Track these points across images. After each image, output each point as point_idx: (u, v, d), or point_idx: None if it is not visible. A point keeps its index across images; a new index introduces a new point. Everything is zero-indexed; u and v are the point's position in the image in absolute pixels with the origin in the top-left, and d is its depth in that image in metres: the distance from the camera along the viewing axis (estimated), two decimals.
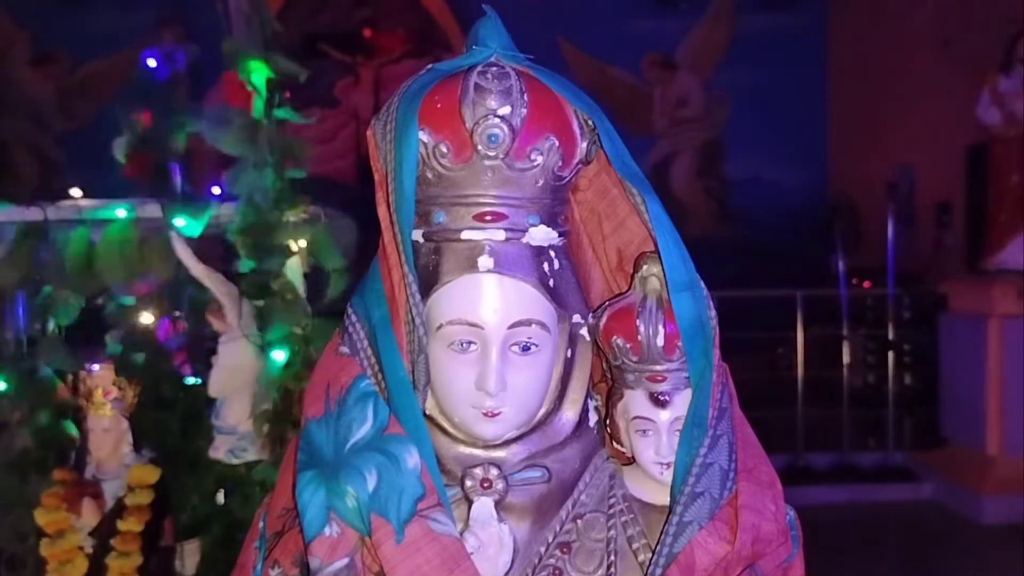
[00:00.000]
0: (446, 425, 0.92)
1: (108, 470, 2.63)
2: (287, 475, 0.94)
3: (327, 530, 0.85)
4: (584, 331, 0.96)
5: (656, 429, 0.94)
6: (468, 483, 0.90)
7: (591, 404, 0.98)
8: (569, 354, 0.94)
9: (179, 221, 2.28)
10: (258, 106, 2.20)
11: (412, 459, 0.85)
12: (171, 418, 3.02)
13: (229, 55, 2.21)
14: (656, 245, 0.91)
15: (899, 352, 6.64)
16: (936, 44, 7.62)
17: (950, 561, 4.89)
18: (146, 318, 2.64)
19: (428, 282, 0.88)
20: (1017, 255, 5.65)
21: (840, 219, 7.70)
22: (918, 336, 6.75)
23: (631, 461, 0.99)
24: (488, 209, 0.88)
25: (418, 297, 0.87)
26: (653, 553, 0.89)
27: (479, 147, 0.86)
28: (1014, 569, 4.75)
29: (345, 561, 0.85)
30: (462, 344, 0.87)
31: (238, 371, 2.30)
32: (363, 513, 0.84)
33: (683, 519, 0.88)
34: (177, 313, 2.70)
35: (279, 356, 2.24)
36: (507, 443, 0.91)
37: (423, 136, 0.86)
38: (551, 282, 0.90)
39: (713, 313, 0.92)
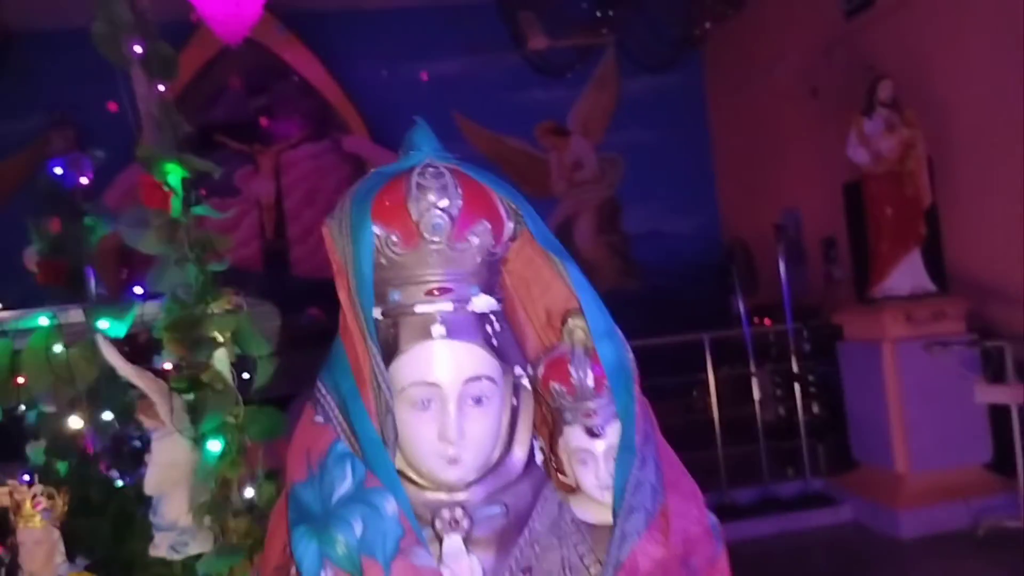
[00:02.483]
0: (414, 476, 1.05)
1: None
2: (275, 538, 1.04)
3: (323, 574, 0.96)
4: (525, 381, 1.11)
5: (594, 458, 1.11)
6: (438, 524, 1.03)
7: (536, 445, 1.13)
8: (514, 402, 1.09)
9: (103, 323, 2.31)
10: (176, 205, 2.27)
11: (391, 506, 0.98)
12: (102, 524, 2.98)
13: (144, 159, 2.28)
14: (579, 302, 1.08)
15: (804, 383, 6.93)
16: (806, 94, 8.16)
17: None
18: (71, 425, 2.63)
19: (389, 352, 1.02)
20: (901, 281, 6.00)
21: (735, 263, 8.07)
22: (820, 367, 7.07)
23: (575, 490, 1.15)
24: (436, 285, 1.03)
25: (382, 365, 1.00)
26: (603, 564, 1.03)
27: (425, 235, 1.01)
28: None
29: None
30: (423, 402, 1.01)
31: (174, 466, 2.32)
32: (353, 557, 0.96)
33: (624, 531, 1.03)
34: (104, 416, 2.69)
35: (214, 446, 2.28)
36: (468, 486, 1.05)
37: (376, 230, 1.01)
38: (494, 341, 1.05)
39: (631, 355, 1.09)
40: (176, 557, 2.35)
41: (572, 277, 1.08)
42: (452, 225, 1.01)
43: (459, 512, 1.04)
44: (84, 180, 3.09)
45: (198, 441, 2.28)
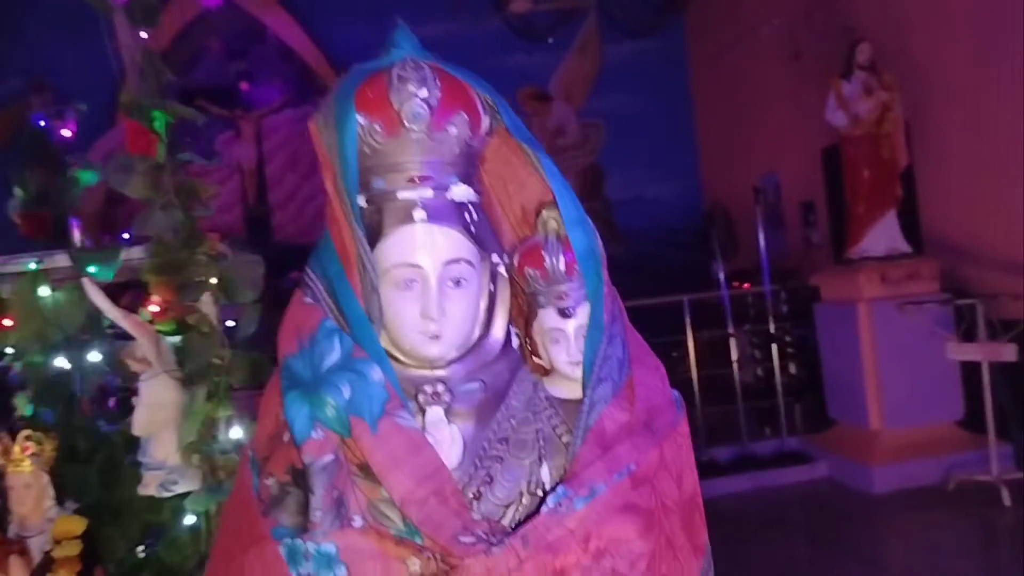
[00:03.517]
0: (399, 355, 1.12)
1: (32, 526, 2.62)
2: (268, 410, 1.11)
3: (313, 435, 1.04)
4: (502, 269, 1.18)
5: (565, 336, 1.20)
6: (421, 398, 1.11)
7: (512, 331, 1.20)
8: (492, 288, 1.16)
9: (90, 268, 2.35)
10: (160, 151, 2.30)
11: (376, 374, 1.05)
12: (90, 471, 3.02)
13: (127, 106, 2.30)
14: (552, 192, 1.15)
15: (781, 344, 7.04)
16: (787, 58, 8.19)
17: (848, 530, 5.23)
18: (58, 366, 2.66)
19: (373, 236, 1.08)
20: (876, 242, 6.10)
21: (715, 227, 8.15)
22: (797, 328, 7.19)
23: (548, 371, 1.24)
24: (417, 173, 1.08)
25: (367, 247, 1.07)
26: (573, 434, 1.12)
27: (405, 123, 1.06)
28: (904, 530, 5.14)
29: (331, 457, 1.05)
30: (406, 283, 1.08)
31: (162, 407, 2.36)
32: (342, 417, 1.03)
33: (593, 400, 1.12)
34: (91, 358, 2.73)
35: (201, 388, 2.33)
36: (449, 364, 1.12)
37: (360, 119, 1.07)
38: (472, 229, 1.12)
39: (600, 242, 1.17)
40: (165, 495, 2.41)
41: (546, 168, 1.15)
42: (431, 114, 1.07)
43: (440, 387, 1.11)
44: (67, 132, 3.10)
45: (185, 382, 2.33)
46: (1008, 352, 5.16)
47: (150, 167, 2.31)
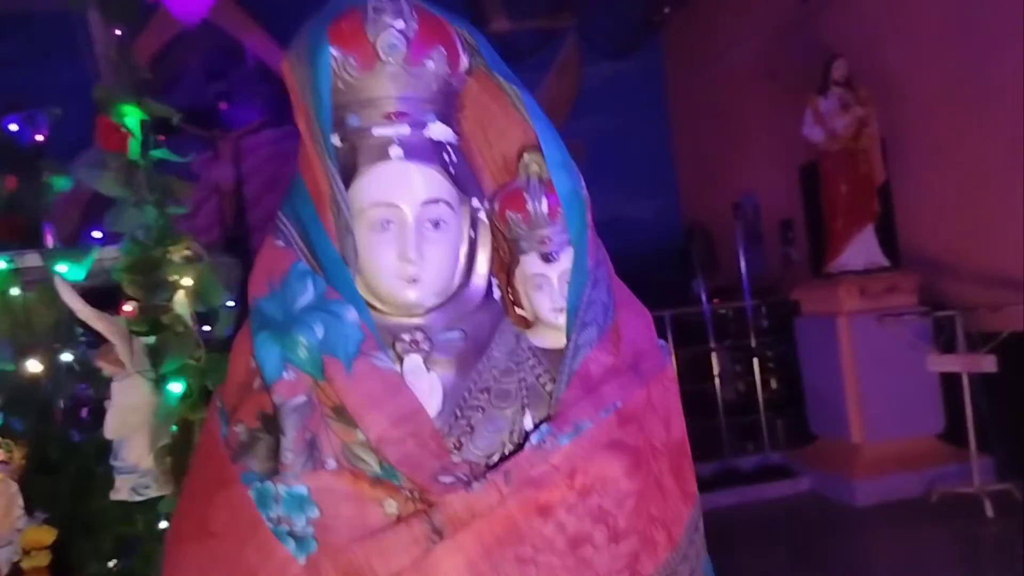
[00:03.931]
0: (376, 303, 1.07)
1: (0, 536, 2.56)
2: (237, 362, 1.07)
3: (285, 375, 0.99)
4: (482, 215, 1.14)
5: (548, 282, 1.17)
6: (399, 346, 1.06)
7: (494, 283, 1.16)
8: (472, 235, 1.12)
9: (61, 267, 2.29)
10: (134, 147, 2.26)
11: (351, 315, 1.01)
12: (61, 482, 2.95)
13: (101, 101, 2.26)
14: (536, 132, 1.11)
15: (763, 359, 7.04)
16: (763, 78, 8.27)
17: (832, 544, 5.21)
18: (29, 369, 2.60)
19: (347, 175, 1.04)
20: (855, 256, 6.13)
21: (695, 246, 8.17)
22: (777, 343, 7.19)
23: (531, 324, 1.20)
24: (393, 109, 1.04)
25: (341, 185, 1.02)
26: (556, 382, 1.08)
27: (381, 55, 1.02)
28: (887, 543, 5.12)
29: (303, 399, 0.99)
30: (383, 223, 1.03)
31: (134, 409, 2.30)
32: (315, 356, 0.98)
33: (577, 344, 1.08)
34: (63, 358, 2.67)
35: (176, 388, 2.27)
36: (428, 312, 1.07)
37: (334, 52, 1.02)
38: (451, 170, 1.07)
39: (584, 185, 1.13)
40: (137, 499, 2.34)
41: (528, 108, 1.11)
42: (408, 46, 1.03)
43: (419, 335, 1.06)
44: (40, 137, 3.05)
45: (159, 383, 2.27)
46: (988, 363, 5.17)
47: (122, 163, 2.27)
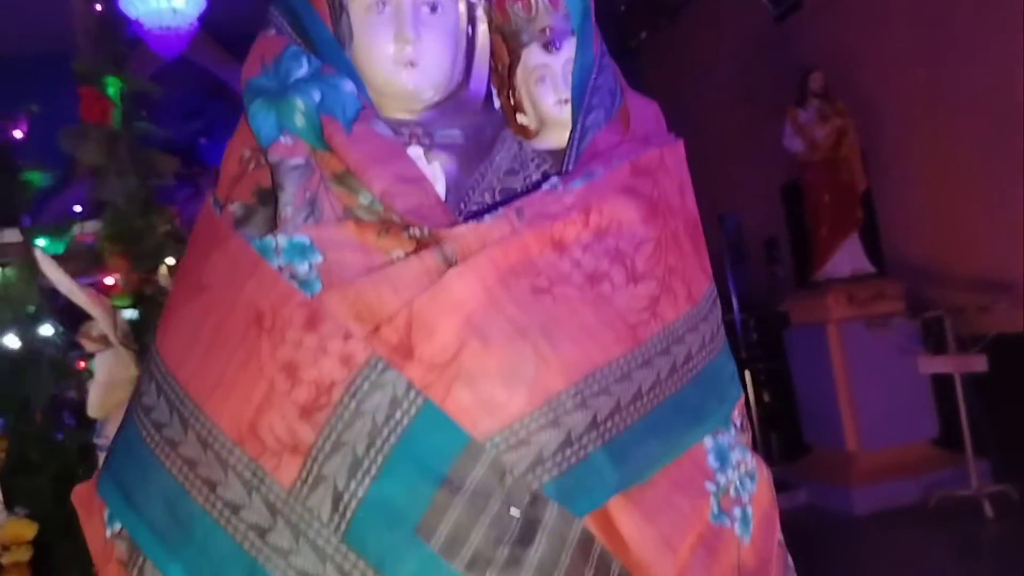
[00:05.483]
0: (372, 97, 1.02)
1: None
2: (231, 157, 1.02)
3: (282, 138, 0.95)
4: (480, 11, 1.10)
5: (551, 72, 1.13)
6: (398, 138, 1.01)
7: (494, 92, 1.13)
8: (470, 32, 1.08)
9: (41, 241, 2.23)
10: (116, 118, 2.22)
11: (348, 86, 0.97)
12: (42, 482, 2.85)
13: (82, 73, 2.23)
14: None
15: (754, 373, 7.00)
16: (740, 100, 8.36)
17: (833, 554, 5.11)
18: (7, 344, 2.52)
19: None
20: (841, 264, 6.15)
21: None
22: (769, 356, 7.16)
23: (532, 133, 1.17)
24: None
25: None
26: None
27: None
28: (890, 550, 5.04)
29: (302, 160, 0.94)
30: (378, 5, 1.00)
31: (118, 386, 2.22)
32: (312, 118, 0.94)
33: (584, 126, 1.04)
34: (42, 332, 2.59)
35: None
36: (427, 110, 1.04)
37: None
38: None
39: None
40: None
41: None
42: None
43: (419, 130, 1.03)
44: (18, 134, 3.01)
45: (142, 355, 2.20)
46: (979, 363, 5.16)
47: (104, 134, 2.22)
